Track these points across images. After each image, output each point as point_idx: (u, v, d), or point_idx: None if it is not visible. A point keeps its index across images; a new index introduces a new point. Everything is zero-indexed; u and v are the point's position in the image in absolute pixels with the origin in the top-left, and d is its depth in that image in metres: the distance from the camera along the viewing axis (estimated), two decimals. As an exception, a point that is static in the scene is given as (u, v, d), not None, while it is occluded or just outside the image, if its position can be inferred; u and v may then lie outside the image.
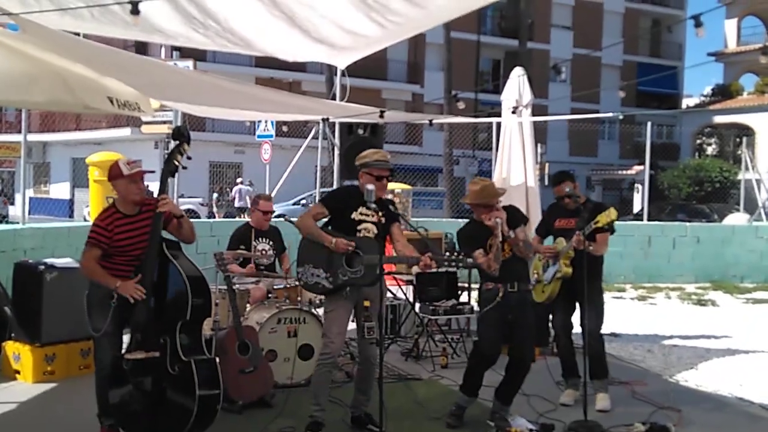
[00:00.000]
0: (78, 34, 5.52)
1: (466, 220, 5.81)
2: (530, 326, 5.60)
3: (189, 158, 4.88)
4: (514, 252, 5.47)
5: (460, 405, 5.64)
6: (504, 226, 5.27)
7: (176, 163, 4.83)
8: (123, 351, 4.75)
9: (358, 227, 5.10)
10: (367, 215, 5.11)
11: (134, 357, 4.60)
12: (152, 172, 4.96)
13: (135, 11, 4.13)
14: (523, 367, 5.57)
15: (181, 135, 4.89)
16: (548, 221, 6.41)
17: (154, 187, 5.13)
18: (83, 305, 4.83)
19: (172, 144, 4.91)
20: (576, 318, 6.18)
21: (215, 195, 28.65)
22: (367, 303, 5.00)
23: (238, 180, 27.26)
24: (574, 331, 6.28)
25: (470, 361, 5.82)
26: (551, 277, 6.14)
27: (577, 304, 6.10)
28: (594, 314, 6.00)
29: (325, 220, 5.28)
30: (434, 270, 5.87)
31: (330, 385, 6.15)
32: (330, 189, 11.96)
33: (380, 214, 4.85)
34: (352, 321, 5.30)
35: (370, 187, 4.83)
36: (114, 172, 4.79)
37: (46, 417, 5.57)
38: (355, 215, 5.11)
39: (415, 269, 8.21)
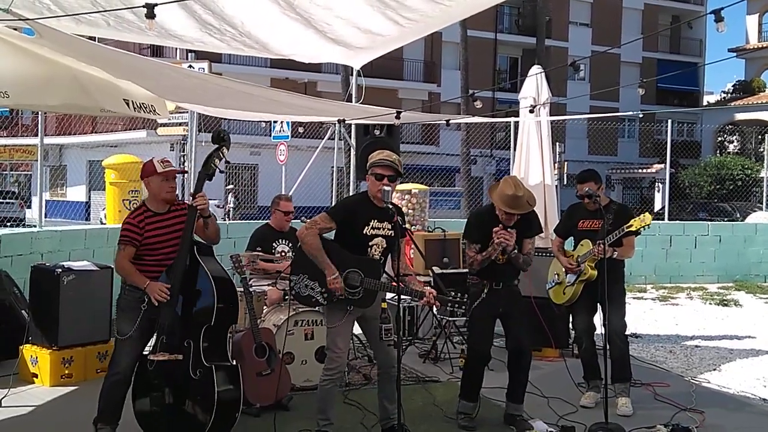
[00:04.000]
0: (93, 39, 5.52)
1: None
2: (523, 317, 5.69)
3: (228, 162, 4.95)
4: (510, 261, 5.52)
5: (463, 412, 5.60)
6: (509, 246, 5.33)
7: (214, 166, 4.86)
8: (148, 352, 4.76)
9: (370, 243, 4.87)
10: (380, 228, 4.89)
11: (158, 358, 4.59)
12: (186, 172, 4.99)
13: (150, 15, 4.09)
14: (523, 358, 5.57)
15: (221, 139, 4.91)
16: (570, 222, 6.29)
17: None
18: (106, 308, 4.84)
19: (213, 147, 4.94)
20: (597, 320, 6.10)
21: (233, 199, 28.33)
22: (384, 305, 4.94)
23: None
24: (596, 332, 6.20)
25: (465, 364, 5.78)
26: (575, 280, 6.06)
27: (599, 306, 6.02)
28: (618, 314, 5.96)
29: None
30: (452, 270, 5.82)
31: (346, 389, 6.15)
32: (346, 191, 11.94)
33: (395, 220, 4.70)
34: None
35: (387, 188, 4.76)
36: (148, 170, 4.83)
37: (63, 421, 5.56)
38: (367, 230, 4.84)
39: (434, 269, 8.18)
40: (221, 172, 4.97)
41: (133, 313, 4.69)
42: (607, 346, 5.72)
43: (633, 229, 5.77)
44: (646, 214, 5.87)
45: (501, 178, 5.66)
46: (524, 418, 5.54)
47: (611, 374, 5.76)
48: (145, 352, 4.82)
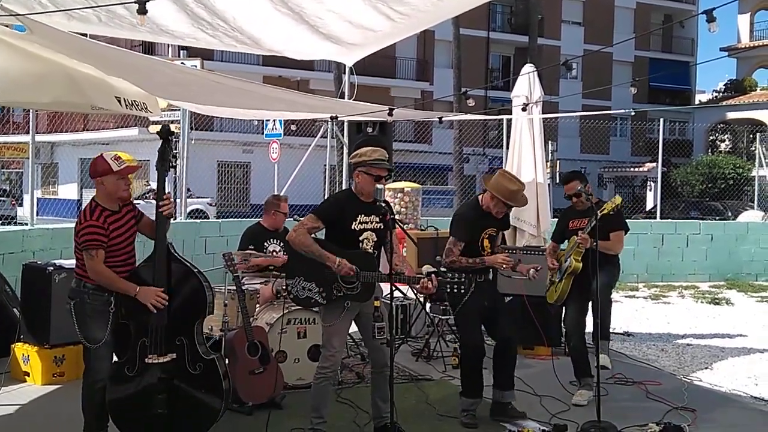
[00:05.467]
0: (85, 36, 5.48)
1: None
2: (506, 309, 5.86)
3: (175, 157, 4.82)
4: (492, 250, 5.67)
5: (465, 409, 5.61)
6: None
7: (171, 162, 4.74)
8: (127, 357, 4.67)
9: (360, 237, 4.87)
10: (367, 222, 4.90)
11: (152, 361, 4.52)
12: (139, 167, 4.85)
13: (142, 11, 4.06)
14: (510, 348, 5.68)
15: (171, 132, 4.81)
16: (563, 224, 6.41)
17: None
18: (70, 316, 4.60)
19: (162, 141, 4.76)
20: (588, 318, 6.16)
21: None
22: (377, 303, 4.93)
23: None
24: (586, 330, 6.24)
25: (462, 362, 5.82)
26: (562, 275, 6.11)
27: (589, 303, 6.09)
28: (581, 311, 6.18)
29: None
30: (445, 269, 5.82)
31: (339, 387, 6.15)
32: (338, 189, 11.93)
33: (383, 217, 4.73)
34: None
35: (380, 186, 4.77)
36: (102, 168, 4.57)
37: (55, 419, 5.53)
38: (355, 225, 4.85)
39: (426, 268, 8.17)
40: (173, 167, 4.81)
41: (102, 317, 4.54)
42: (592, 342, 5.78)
43: (605, 212, 5.85)
44: (616, 196, 6.05)
45: (495, 172, 5.73)
46: (514, 406, 5.62)
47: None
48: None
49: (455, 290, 4.86)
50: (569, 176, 6.21)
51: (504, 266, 5.53)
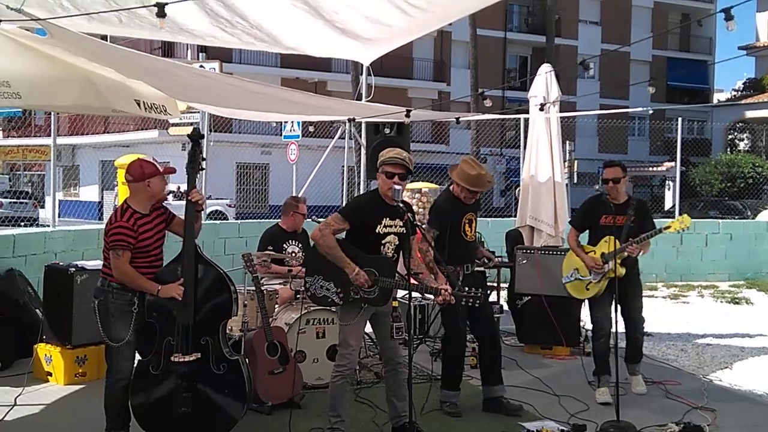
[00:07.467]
0: (105, 37, 5.55)
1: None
2: (489, 302, 6.01)
3: (204, 159, 4.98)
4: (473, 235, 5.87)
5: (447, 401, 5.79)
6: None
7: (200, 162, 4.88)
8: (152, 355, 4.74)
9: (383, 241, 4.89)
10: (392, 226, 4.90)
11: (183, 360, 4.58)
12: (174, 171, 4.96)
13: (161, 14, 4.11)
14: (495, 342, 5.90)
15: (201, 136, 4.94)
16: (592, 215, 6.29)
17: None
18: (95, 315, 4.70)
19: (192, 144, 4.92)
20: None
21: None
22: (395, 303, 4.96)
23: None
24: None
25: (444, 353, 5.99)
26: (601, 276, 6.12)
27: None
28: (637, 309, 6.38)
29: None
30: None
31: (357, 387, 6.18)
32: (356, 190, 11.96)
33: (406, 218, 4.73)
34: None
35: (398, 187, 4.79)
36: (150, 170, 4.73)
37: (77, 419, 5.60)
38: (379, 228, 4.86)
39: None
40: (202, 169, 4.96)
41: (125, 316, 4.63)
42: (619, 344, 5.76)
43: (671, 231, 6.03)
44: (686, 216, 6.12)
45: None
46: (508, 399, 5.75)
47: (626, 356, 6.20)
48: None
49: (470, 304, 4.86)
50: (613, 162, 6.25)
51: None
